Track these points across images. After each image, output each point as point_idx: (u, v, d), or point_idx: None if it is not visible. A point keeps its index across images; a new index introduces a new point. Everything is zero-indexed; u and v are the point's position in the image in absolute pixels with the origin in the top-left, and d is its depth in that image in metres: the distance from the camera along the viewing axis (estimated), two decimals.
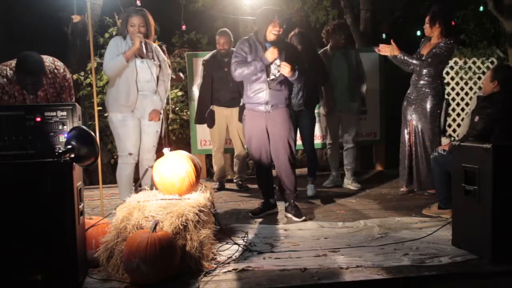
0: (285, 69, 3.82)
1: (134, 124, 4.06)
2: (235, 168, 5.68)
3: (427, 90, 4.62)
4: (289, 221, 3.98)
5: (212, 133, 5.41)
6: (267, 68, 3.91)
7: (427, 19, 4.68)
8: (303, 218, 3.98)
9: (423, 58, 4.59)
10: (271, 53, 3.82)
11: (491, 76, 3.67)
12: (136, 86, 4.02)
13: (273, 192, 4.28)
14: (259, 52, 3.93)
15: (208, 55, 5.36)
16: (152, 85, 4.13)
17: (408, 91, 4.81)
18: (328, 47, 5.28)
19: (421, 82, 4.65)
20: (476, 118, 3.59)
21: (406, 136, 4.80)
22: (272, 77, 3.94)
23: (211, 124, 5.31)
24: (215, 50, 5.29)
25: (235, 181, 5.63)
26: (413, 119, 4.71)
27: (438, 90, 4.64)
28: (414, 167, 4.75)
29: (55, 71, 3.74)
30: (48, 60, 3.71)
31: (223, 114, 5.28)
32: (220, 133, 5.35)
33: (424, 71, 4.61)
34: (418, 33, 5.06)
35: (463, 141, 3.36)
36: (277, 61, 3.90)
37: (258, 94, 3.97)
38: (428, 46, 4.69)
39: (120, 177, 4.15)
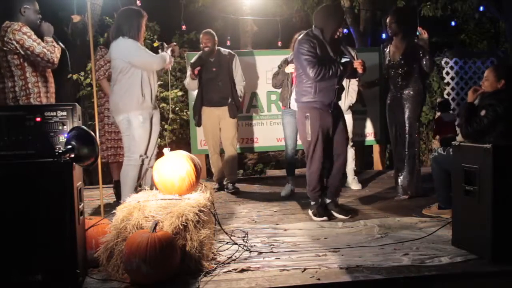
0: (362, 68, 3.88)
1: (149, 128, 3.98)
2: (225, 171, 5.40)
3: (408, 91, 4.63)
4: (289, 221, 3.99)
5: (206, 136, 5.34)
6: None
7: (392, 19, 4.62)
8: (349, 215, 3.99)
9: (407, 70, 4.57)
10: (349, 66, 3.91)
11: (496, 75, 3.64)
12: (155, 83, 4.06)
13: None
14: (328, 53, 3.88)
15: (194, 57, 5.27)
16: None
17: (390, 94, 4.80)
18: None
19: (403, 83, 4.64)
20: (483, 112, 3.57)
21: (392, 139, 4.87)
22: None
23: (199, 123, 5.26)
24: (200, 52, 5.23)
25: (225, 182, 5.42)
26: (397, 121, 4.75)
27: (420, 90, 4.65)
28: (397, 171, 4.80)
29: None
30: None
31: (215, 114, 5.19)
32: (213, 134, 5.26)
33: (404, 72, 4.60)
34: (418, 32, 5.06)
35: (464, 124, 3.53)
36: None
37: (327, 92, 3.92)
38: (397, 48, 4.66)
39: (126, 178, 4.01)
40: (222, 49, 5.26)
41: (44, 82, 3.92)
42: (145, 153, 3.99)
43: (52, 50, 3.82)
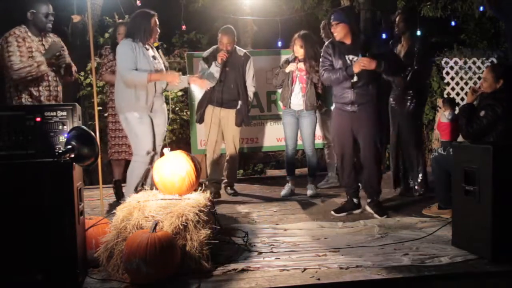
0: (370, 65, 3.82)
1: (150, 122, 3.95)
2: (224, 173, 5.23)
3: (410, 90, 4.65)
4: (289, 221, 3.98)
5: (207, 135, 5.02)
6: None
7: (400, 18, 4.67)
8: (385, 216, 4.00)
9: (417, 69, 4.56)
10: (356, 66, 3.86)
11: (494, 76, 3.64)
12: (155, 87, 3.96)
13: (357, 192, 4.24)
14: (340, 53, 4.02)
15: (207, 51, 4.99)
16: (163, 86, 4.08)
17: (393, 94, 4.81)
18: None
19: (405, 82, 4.62)
20: (482, 113, 3.58)
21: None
22: (355, 79, 3.92)
23: (201, 119, 5.01)
24: (215, 46, 4.93)
25: (223, 185, 5.25)
26: (398, 120, 4.78)
27: (421, 90, 4.68)
28: (401, 168, 4.85)
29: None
30: None
31: (220, 115, 4.94)
32: (215, 135, 4.98)
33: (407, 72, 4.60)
34: (418, 32, 5.07)
35: (465, 125, 3.57)
36: (354, 58, 3.93)
37: (344, 94, 4.03)
38: (402, 48, 4.67)
39: (131, 175, 3.97)
40: (238, 48, 5.00)
41: (16, 86, 3.92)
42: (153, 149, 3.94)
43: (17, 67, 3.78)
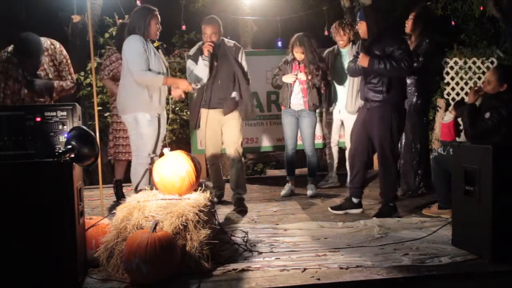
0: (363, 62, 3.92)
1: (157, 125, 3.93)
2: (231, 185, 4.61)
3: (413, 88, 4.69)
4: (289, 221, 3.98)
5: (205, 142, 4.58)
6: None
7: (412, 16, 4.73)
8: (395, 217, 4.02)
9: (417, 65, 4.54)
10: (360, 61, 3.95)
11: (498, 79, 3.63)
12: (165, 88, 3.95)
13: (358, 192, 4.22)
14: (364, 49, 4.08)
15: (193, 48, 4.56)
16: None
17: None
18: (336, 45, 5.24)
19: (409, 81, 4.63)
20: (487, 115, 3.57)
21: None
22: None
23: (197, 124, 4.53)
24: (200, 42, 4.48)
25: (232, 200, 4.61)
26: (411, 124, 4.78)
27: (428, 86, 4.74)
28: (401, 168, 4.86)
29: (52, 46, 3.91)
30: (42, 38, 3.87)
31: (215, 118, 4.45)
32: (214, 141, 4.54)
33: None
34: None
35: (470, 126, 3.59)
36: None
37: (361, 89, 4.18)
38: (411, 46, 4.65)
39: (136, 176, 3.92)
40: (227, 40, 4.51)
41: None
42: (154, 152, 3.94)
43: None
